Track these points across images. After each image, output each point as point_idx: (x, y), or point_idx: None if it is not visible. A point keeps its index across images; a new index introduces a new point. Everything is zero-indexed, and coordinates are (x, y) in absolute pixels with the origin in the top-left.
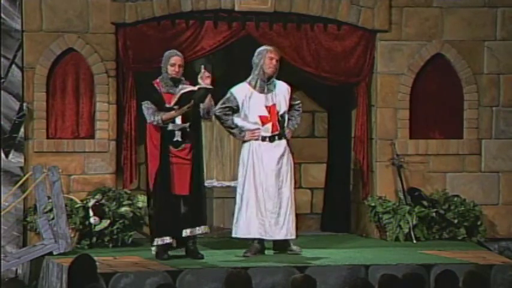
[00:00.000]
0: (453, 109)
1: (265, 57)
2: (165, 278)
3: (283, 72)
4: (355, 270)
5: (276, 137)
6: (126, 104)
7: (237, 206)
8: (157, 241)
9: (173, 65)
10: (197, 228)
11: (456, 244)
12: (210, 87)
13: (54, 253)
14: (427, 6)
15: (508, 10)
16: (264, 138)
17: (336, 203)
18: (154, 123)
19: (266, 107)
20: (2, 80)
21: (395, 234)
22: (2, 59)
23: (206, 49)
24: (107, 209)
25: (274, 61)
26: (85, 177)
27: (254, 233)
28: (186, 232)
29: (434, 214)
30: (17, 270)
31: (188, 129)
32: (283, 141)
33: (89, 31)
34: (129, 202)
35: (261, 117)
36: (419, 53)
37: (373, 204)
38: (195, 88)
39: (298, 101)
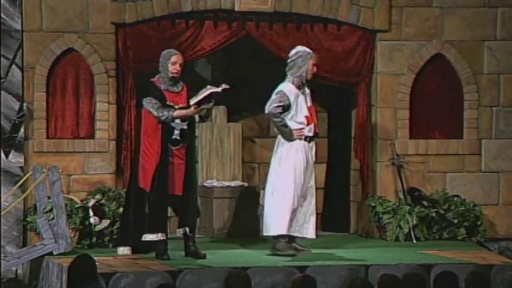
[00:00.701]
0: (453, 109)
1: (308, 62)
2: (165, 278)
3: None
4: (355, 270)
5: (313, 138)
6: (126, 104)
7: (277, 204)
8: (151, 237)
9: (174, 63)
10: (185, 228)
11: (456, 244)
12: (229, 87)
13: (54, 253)
14: (427, 6)
15: (508, 10)
16: (305, 138)
17: (336, 203)
18: (163, 118)
19: (308, 107)
20: (2, 80)
21: (395, 234)
22: (2, 59)
23: (206, 49)
24: (106, 209)
25: (315, 68)
26: (85, 177)
27: (287, 231)
28: (179, 232)
29: (434, 214)
30: (17, 270)
31: (186, 129)
32: (314, 143)
33: (89, 31)
34: None
35: (306, 117)
36: (419, 53)
37: (373, 204)
38: (219, 89)
39: None
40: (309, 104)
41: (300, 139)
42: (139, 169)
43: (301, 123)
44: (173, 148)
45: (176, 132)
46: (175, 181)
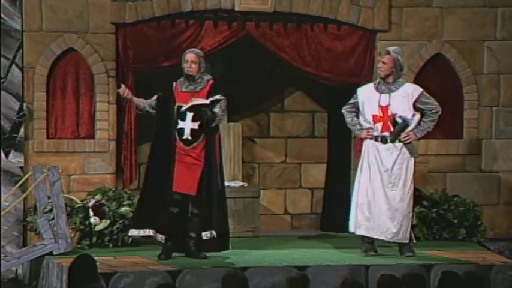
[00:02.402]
0: (453, 109)
1: (378, 61)
2: (165, 278)
3: (286, 72)
4: (355, 270)
5: (388, 139)
6: (126, 104)
7: (352, 202)
8: (133, 232)
9: (186, 61)
10: (203, 233)
11: (456, 244)
12: (222, 98)
13: (54, 253)
14: (427, 6)
15: (508, 10)
16: (376, 138)
17: (336, 203)
18: None
19: (380, 106)
20: (2, 80)
21: None
22: (2, 59)
23: (206, 49)
24: (107, 209)
25: (380, 64)
26: (85, 177)
27: (361, 230)
28: (191, 235)
29: (434, 214)
30: (17, 270)
31: (197, 128)
32: (399, 145)
33: (89, 31)
34: (129, 202)
35: (373, 116)
36: (419, 53)
37: None
38: (207, 101)
39: (432, 107)
40: (385, 103)
41: (370, 139)
42: None
43: (368, 122)
44: (187, 148)
45: (187, 131)
46: (187, 180)
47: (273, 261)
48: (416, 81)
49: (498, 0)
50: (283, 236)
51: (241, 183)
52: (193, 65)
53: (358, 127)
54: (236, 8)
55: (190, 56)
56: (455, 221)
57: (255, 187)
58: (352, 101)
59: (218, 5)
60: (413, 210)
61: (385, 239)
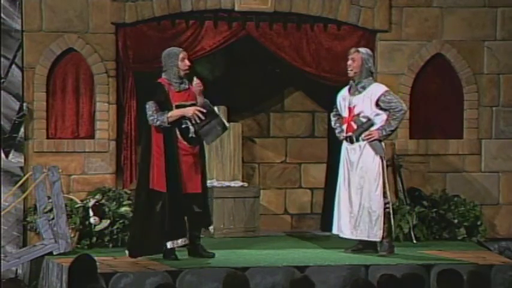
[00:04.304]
0: (453, 109)
1: (348, 59)
2: (165, 278)
3: (286, 72)
4: (355, 270)
5: (354, 139)
6: (126, 104)
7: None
8: (173, 244)
9: (183, 59)
10: (210, 227)
11: (456, 244)
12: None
13: (54, 253)
14: (427, 6)
15: (508, 10)
16: (346, 139)
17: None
18: (158, 123)
19: (348, 108)
20: (2, 80)
21: (395, 234)
22: (2, 59)
23: (206, 49)
24: (107, 209)
25: (349, 61)
26: (85, 177)
27: (339, 231)
28: (196, 233)
29: (434, 214)
30: (17, 270)
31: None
32: (362, 144)
33: (89, 31)
34: (129, 202)
35: (343, 118)
36: (419, 53)
37: None
38: (218, 113)
39: (394, 105)
40: (352, 105)
41: (342, 139)
42: (151, 170)
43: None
44: (190, 146)
45: (192, 129)
46: (193, 179)
47: (273, 261)
48: (416, 81)
49: (498, 0)
50: (283, 236)
51: (241, 183)
52: (190, 63)
53: (339, 130)
54: (236, 8)
55: (185, 54)
56: (455, 221)
57: (255, 187)
58: (335, 104)
59: (218, 5)
60: (414, 210)
61: (352, 237)
